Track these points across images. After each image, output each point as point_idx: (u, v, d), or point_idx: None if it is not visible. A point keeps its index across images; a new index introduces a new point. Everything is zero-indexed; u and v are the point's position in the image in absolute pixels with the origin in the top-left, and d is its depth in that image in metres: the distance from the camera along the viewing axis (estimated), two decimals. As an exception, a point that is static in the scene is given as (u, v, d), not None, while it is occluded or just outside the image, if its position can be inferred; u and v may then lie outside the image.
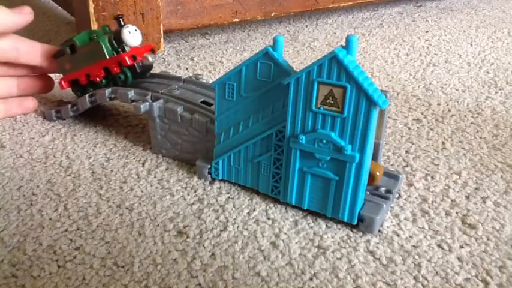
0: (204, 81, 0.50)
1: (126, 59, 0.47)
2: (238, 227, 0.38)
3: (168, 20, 0.69)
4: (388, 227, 0.37)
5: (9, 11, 0.49)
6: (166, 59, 0.74)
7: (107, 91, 0.48)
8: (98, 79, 0.50)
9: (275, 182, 0.39)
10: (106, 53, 0.48)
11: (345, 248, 0.35)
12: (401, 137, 0.51)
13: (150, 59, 0.49)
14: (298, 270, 0.33)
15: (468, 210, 0.40)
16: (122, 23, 0.48)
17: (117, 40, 0.48)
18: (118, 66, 0.48)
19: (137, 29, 0.48)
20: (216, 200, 0.41)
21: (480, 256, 0.35)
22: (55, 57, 0.53)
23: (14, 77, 0.55)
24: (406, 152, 0.48)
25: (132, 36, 0.48)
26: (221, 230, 0.37)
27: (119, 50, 0.49)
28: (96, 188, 0.42)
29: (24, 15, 0.50)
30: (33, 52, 0.53)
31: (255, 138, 0.39)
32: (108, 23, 0.62)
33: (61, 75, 0.54)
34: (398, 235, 0.37)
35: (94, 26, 0.62)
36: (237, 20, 0.76)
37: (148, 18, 0.66)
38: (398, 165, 0.46)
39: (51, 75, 0.58)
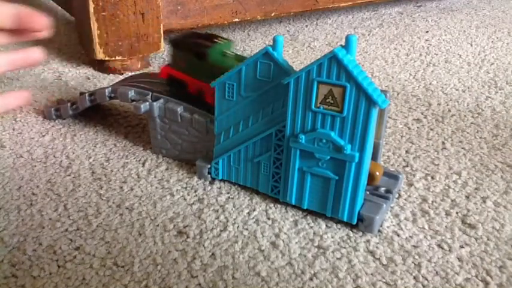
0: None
1: None
2: (238, 227, 0.38)
3: (168, 20, 0.69)
4: (388, 227, 0.37)
5: None
6: (167, 59, 0.74)
7: (107, 90, 0.48)
8: (210, 102, 0.43)
9: (275, 181, 0.39)
10: None
11: (345, 248, 0.35)
12: (401, 137, 0.51)
13: None
14: (298, 270, 0.33)
15: (468, 210, 0.39)
16: None
17: None
18: None
19: None
20: (216, 200, 0.41)
21: (480, 256, 0.35)
22: (171, 43, 0.46)
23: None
24: (406, 152, 0.48)
25: None
26: (221, 230, 0.37)
27: None
28: (96, 188, 0.42)
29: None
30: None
31: (255, 138, 0.39)
32: (108, 23, 0.62)
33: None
34: (398, 235, 0.37)
35: (94, 26, 0.62)
36: (237, 20, 0.76)
37: (148, 18, 0.66)
38: (398, 165, 0.46)
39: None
